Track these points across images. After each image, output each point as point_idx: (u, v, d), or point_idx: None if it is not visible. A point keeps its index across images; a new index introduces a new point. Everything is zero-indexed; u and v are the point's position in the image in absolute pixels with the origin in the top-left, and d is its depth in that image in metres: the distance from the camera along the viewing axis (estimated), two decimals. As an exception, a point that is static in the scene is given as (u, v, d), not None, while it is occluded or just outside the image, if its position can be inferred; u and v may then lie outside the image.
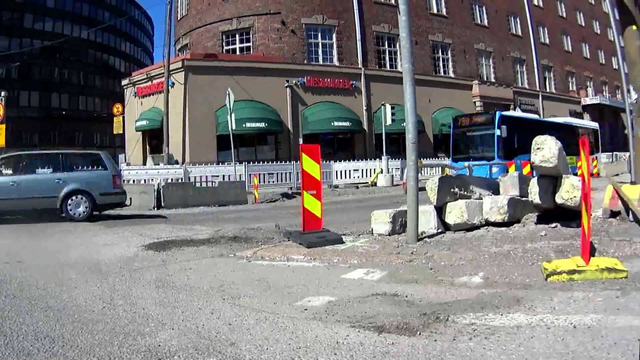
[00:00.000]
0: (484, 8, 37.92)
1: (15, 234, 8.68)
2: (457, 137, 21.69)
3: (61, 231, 8.98)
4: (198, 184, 17.79)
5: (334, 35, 29.80)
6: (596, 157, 25.56)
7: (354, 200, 16.82)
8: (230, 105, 18.69)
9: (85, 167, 13.02)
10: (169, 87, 24.47)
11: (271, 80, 26.02)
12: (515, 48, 39.92)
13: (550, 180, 6.63)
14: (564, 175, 6.41)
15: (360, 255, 6.09)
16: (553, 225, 6.75)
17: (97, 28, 56.90)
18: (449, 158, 21.78)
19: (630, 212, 6.77)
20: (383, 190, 20.89)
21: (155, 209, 14.46)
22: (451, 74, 34.96)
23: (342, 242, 6.96)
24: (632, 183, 8.60)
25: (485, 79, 36.82)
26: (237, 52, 29.06)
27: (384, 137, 24.68)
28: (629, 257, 5.05)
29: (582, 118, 42.02)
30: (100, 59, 64.92)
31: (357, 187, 22.02)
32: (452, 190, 7.56)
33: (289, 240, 7.27)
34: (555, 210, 6.76)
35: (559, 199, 6.43)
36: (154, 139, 27.53)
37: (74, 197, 10.96)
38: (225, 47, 29.44)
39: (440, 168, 21.60)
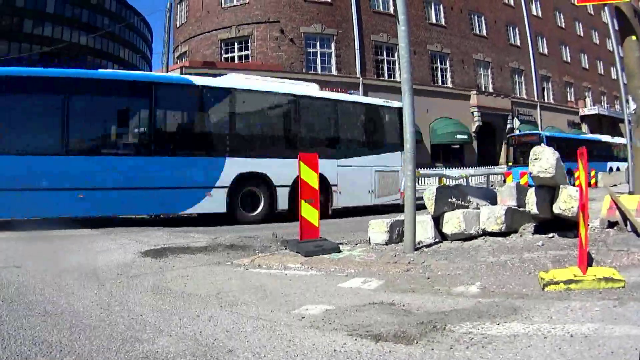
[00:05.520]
0: (482, 18, 38.15)
1: (13, 239, 8.66)
2: (514, 151, 29.42)
3: (59, 237, 8.95)
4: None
5: (333, 45, 29.93)
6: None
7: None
8: None
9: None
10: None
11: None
12: (513, 58, 40.12)
13: (548, 190, 6.64)
14: (561, 186, 6.43)
15: (357, 265, 6.09)
16: (550, 235, 6.76)
17: (96, 34, 57.12)
18: (446, 168, 23.09)
19: (628, 222, 6.79)
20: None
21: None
22: (449, 84, 35.11)
23: (339, 251, 6.95)
24: (630, 193, 8.62)
25: (483, 89, 36.97)
26: (236, 61, 29.17)
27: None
28: (626, 267, 5.06)
29: (580, 129, 42.23)
30: (99, 65, 64.94)
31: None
32: (449, 200, 7.57)
33: (286, 249, 7.26)
34: (553, 220, 6.78)
35: (556, 209, 6.45)
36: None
37: None
38: (224, 55, 29.56)
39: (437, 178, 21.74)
